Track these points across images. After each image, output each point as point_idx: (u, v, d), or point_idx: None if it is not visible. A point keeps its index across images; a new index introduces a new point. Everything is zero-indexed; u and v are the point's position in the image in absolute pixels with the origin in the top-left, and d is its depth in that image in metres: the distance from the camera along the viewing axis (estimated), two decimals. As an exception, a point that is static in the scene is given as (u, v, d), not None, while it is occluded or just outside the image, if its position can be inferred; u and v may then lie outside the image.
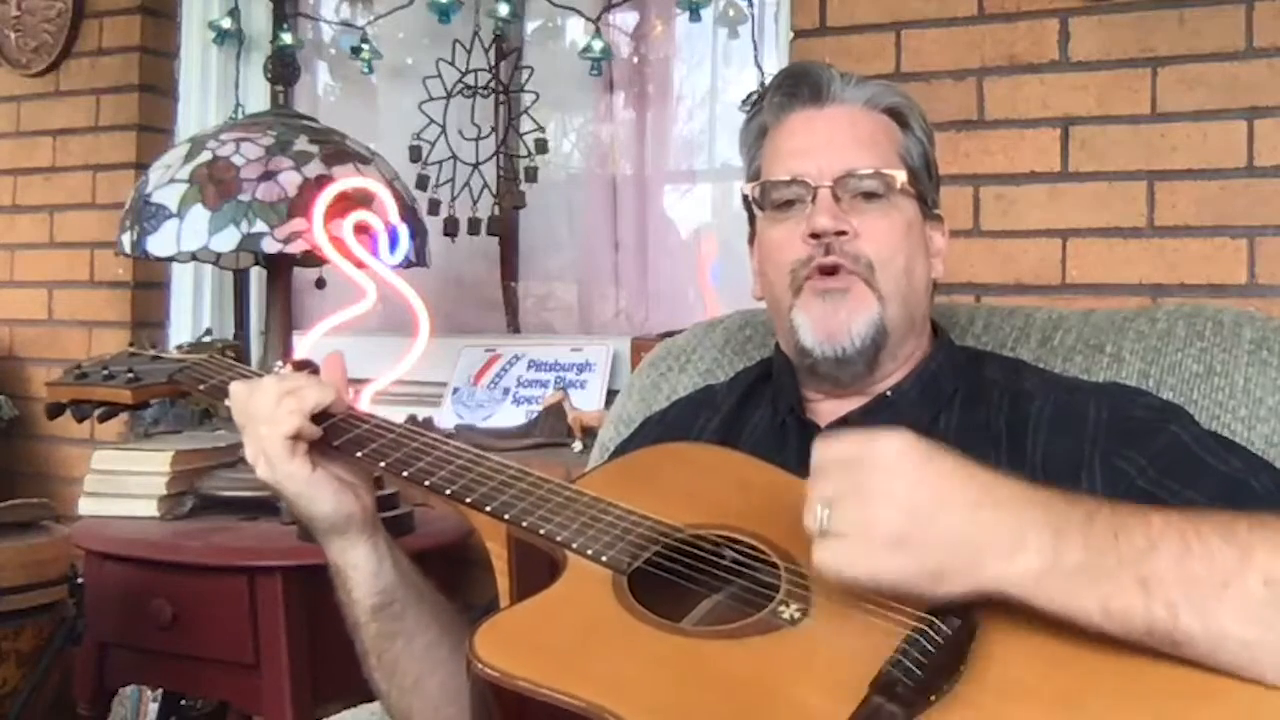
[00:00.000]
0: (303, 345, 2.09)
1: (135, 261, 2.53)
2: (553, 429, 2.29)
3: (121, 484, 2.08)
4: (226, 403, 1.07)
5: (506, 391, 2.49)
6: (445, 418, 2.46)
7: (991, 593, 0.75)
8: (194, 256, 2.08)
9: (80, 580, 2.17)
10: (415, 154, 2.61)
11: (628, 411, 1.43)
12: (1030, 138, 2.02)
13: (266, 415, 1.01)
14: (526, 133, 2.60)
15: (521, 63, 2.67)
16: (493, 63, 2.65)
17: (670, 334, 1.67)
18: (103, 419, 1.22)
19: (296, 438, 1.01)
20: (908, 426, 0.79)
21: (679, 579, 0.87)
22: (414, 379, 2.27)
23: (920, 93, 1.84)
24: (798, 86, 1.11)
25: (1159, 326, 1.25)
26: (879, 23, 2.12)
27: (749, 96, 2.23)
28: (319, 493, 1.02)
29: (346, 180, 1.99)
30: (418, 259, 2.14)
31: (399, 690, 1.08)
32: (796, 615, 0.81)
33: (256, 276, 2.77)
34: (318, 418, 1.02)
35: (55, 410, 1.23)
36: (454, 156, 2.65)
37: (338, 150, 2.06)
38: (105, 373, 1.21)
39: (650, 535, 0.90)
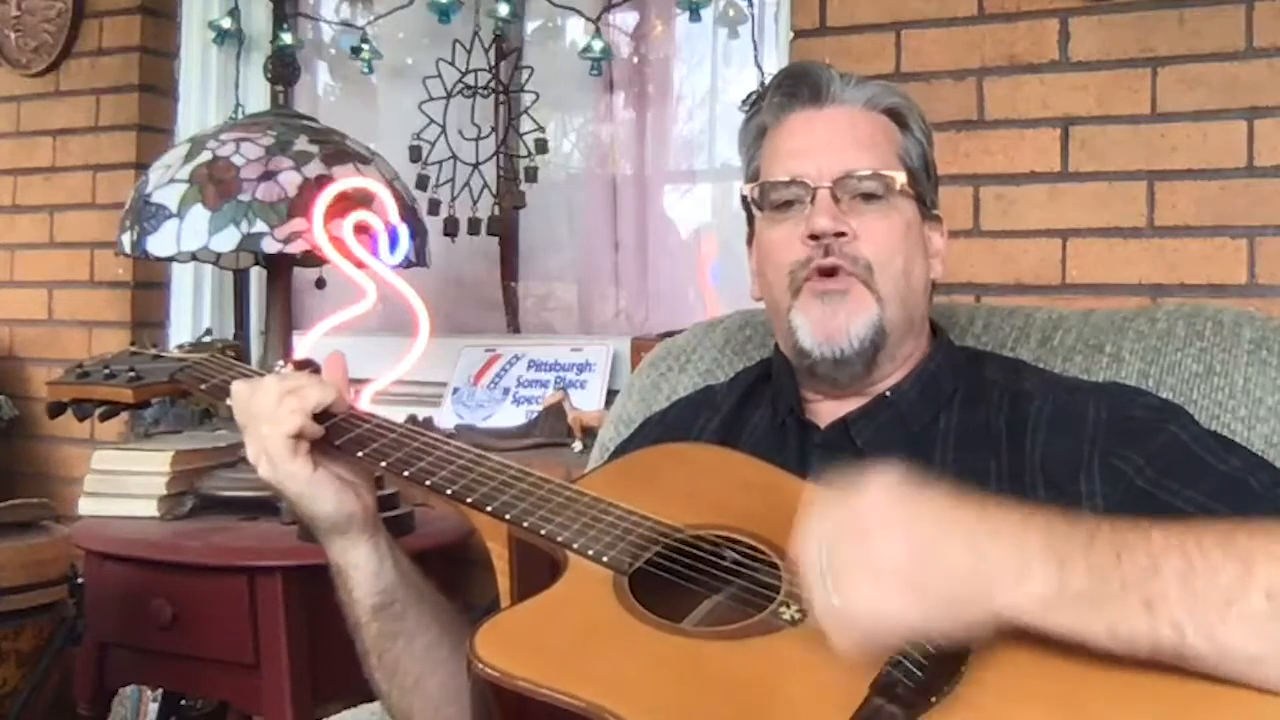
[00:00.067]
0: (303, 345, 2.09)
1: (135, 261, 2.53)
2: (553, 429, 2.29)
3: (121, 484, 2.08)
4: (228, 402, 1.07)
5: (506, 391, 2.49)
6: (445, 418, 2.45)
7: (1005, 621, 0.74)
8: (194, 256, 2.07)
9: (80, 580, 2.16)
10: (415, 154, 2.61)
11: (628, 412, 1.42)
12: (1030, 138, 2.02)
13: (268, 414, 1.01)
14: (526, 133, 2.60)
15: (521, 63, 2.67)
16: (493, 63, 2.64)
17: (670, 334, 1.67)
18: (104, 418, 1.22)
19: (298, 437, 1.01)
20: (900, 429, 0.78)
21: (679, 579, 0.87)
22: (414, 379, 2.27)
23: (920, 93, 1.85)
24: (797, 87, 1.11)
25: (1159, 326, 1.25)
26: (879, 23, 2.12)
27: (749, 96, 2.23)
28: (320, 492, 1.02)
29: (346, 180, 1.99)
30: (418, 259, 2.14)
31: (399, 690, 1.08)
32: (797, 616, 0.81)
33: (256, 276, 2.77)
34: (319, 417, 1.02)
35: (57, 409, 1.23)
36: (454, 156, 2.65)
37: (338, 150, 2.06)
38: (107, 372, 1.21)
39: (651, 536, 0.90)
